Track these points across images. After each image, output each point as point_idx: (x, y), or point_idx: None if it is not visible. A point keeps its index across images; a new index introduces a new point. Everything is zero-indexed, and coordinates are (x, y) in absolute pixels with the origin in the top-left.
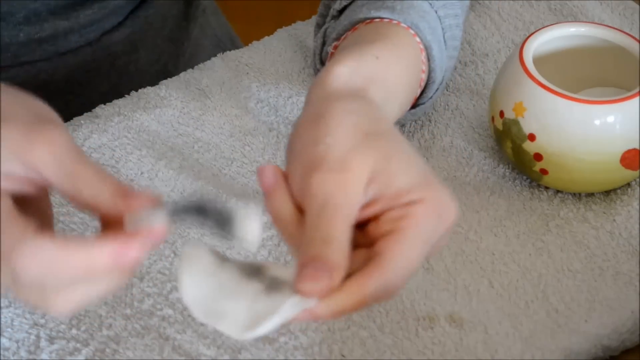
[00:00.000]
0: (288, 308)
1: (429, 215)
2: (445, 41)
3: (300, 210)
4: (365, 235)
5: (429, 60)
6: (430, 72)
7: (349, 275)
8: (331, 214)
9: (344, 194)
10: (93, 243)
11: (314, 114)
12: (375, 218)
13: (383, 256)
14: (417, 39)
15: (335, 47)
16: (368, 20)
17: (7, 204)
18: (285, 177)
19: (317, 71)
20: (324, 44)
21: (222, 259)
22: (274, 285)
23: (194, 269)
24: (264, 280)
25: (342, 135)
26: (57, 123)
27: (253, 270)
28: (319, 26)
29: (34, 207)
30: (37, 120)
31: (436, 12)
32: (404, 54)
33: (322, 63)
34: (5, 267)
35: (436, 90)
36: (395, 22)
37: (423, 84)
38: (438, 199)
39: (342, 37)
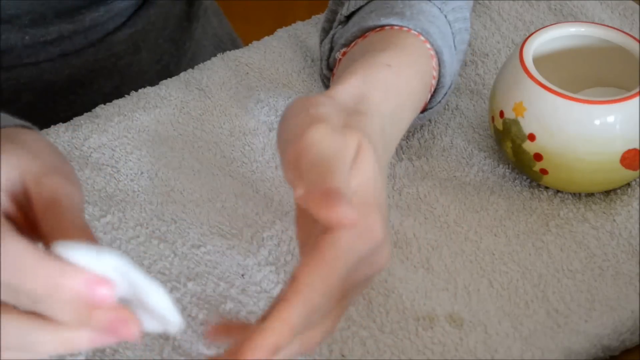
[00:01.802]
0: None
1: (354, 242)
2: (455, 45)
3: None
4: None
5: (439, 65)
6: (440, 77)
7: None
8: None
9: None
10: (69, 265)
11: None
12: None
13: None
14: (428, 45)
15: (344, 54)
16: (378, 28)
17: None
18: None
19: (323, 77)
20: (331, 49)
21: None
22: None
23: None
24: None
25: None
26: (75, 184)
27: None
28: (325, 31)
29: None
30: (58, 171)
31: (445, 16)
32: (415, 61)
33: (330, 69)
34: None
35: (445, 94)
36: (405, 29)
37: (433, 89)
38: (371, 231)
39: (352, 44)
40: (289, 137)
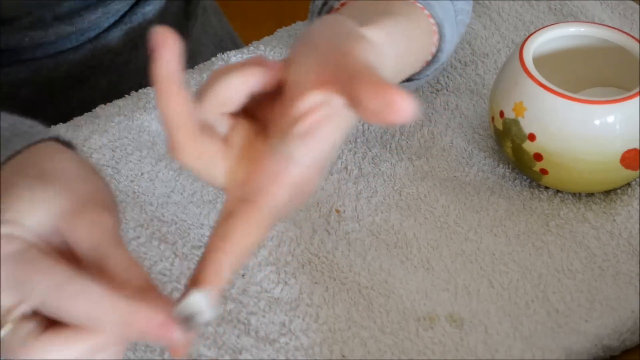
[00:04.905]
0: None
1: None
2: (456, 24)
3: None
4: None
5: (439, 40)
6: (437, 51)
7: None
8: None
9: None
10: (140, 301)
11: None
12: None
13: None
14: (432, 20)
15: (343, 5)
16: None
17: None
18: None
19: None
20: (324, 4)
21: None
22: None
23: None
24: None
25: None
26: (109, 209)
27: None
28: None
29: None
30: (90, 201)
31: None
32: (421, 36)
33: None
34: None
35: (435, 69)
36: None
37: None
38: (309, 189)
39: None
40: (336, 41)
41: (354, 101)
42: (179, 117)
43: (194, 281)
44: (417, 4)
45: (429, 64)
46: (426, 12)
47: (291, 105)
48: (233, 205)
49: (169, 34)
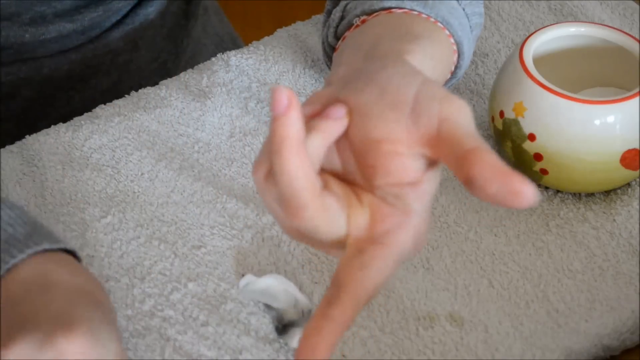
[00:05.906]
0: None
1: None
2: (471, 32)
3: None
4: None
5: (458, 57)
6: (456, 68)
7: None
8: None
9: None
10: None
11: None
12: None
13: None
14: (452, 40)
15: (363, 21)
16: (401, 10)
17: None
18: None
19: (327, 45)
20: (342, 18)
21: None
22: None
23: None
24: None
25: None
26: (80, 329)
27: None
28: (334, 1)
29: None
30: (58, 326)
31: (464, 9)
32: (442, 58)
33: (336, 38)
34: None
35: (449, 85)
36: (432, 20)
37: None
38: (423, 239)
39: (374, 14)
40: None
41: (467, 179)
42: (305, 176)
43: (326, 304)
44: (438, 24)
45: (446, 81)
46: (447, 32)
47: (386, 161)
48: (362, 245)
49: (292, 94)
